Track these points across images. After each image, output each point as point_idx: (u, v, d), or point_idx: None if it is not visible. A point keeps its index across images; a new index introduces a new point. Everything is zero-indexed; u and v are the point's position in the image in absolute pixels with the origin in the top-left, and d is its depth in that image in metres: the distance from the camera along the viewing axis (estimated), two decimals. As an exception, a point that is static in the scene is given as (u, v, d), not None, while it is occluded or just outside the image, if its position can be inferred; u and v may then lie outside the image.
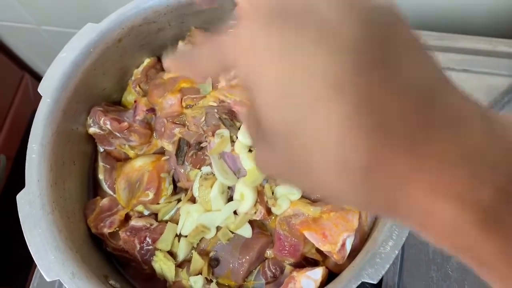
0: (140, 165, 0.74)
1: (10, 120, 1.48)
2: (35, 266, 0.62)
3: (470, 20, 0.98)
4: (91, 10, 1.16)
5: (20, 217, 0.63)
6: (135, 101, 0.78)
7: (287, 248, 0.66)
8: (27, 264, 0.87)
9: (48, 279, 0.60)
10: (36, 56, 1.54)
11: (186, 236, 0.69)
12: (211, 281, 0.68)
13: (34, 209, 0.63)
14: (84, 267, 0.62)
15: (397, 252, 0.57)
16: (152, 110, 0.76)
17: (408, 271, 0.81)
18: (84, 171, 0.77)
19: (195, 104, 0.73)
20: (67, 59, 0.69)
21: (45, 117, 0.67)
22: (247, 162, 0.66)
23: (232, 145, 0.68)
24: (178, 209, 0.72)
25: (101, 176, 0.77)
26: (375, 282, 0.57)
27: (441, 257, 0.81)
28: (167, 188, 0.73)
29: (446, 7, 0.96)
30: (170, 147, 0.74)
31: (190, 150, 0.72)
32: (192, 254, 0.69)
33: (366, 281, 0.57)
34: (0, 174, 1.43)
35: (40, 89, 0.68)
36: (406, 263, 0.82)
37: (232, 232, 0.68)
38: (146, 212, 0.74)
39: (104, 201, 0.73)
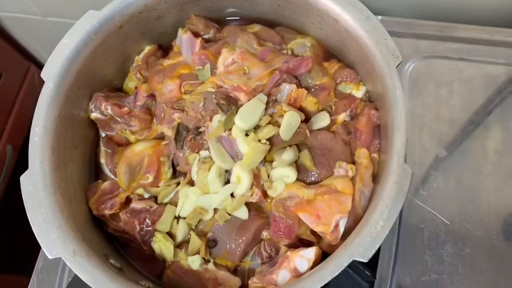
0: (140, 149, 0.76)
1: (16, 111, 1.50)
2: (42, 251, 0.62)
3: (468, 10, 0.98)
4: (96, 1, 1.17)
5: (23, 197, 0.65)
6: (135, 87, 0.79)
7: (282, 230, 0.68)
8: (36, 253, 0.89)
9: (50, 257, 0.62)
10: (42, 47, 1.55)
11: (184, 218, 0.71)
12: (208, 261, 0.69)
13: (37, 189, 0.65)
14: (85, 246, 0.64)
15: (387, 231, 0.59)
16: (152, 96, 0.78)
17: (403, 256, 0.83)
18: (86, 155, 0.79)
19: (194, 90, 0.74)
20: (69, 45, 0.71)
21: (48, 101, 0.68)
22: (243, 146, 0.68)
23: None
24: (177, 192, 0.73)
25: (102, 160, 0.79)
26: (365, 260, 0.58)
27: (436, 242, 0.82)
28: (167, 171, 0.75)
29: (444, -3, 0.97)
30: (169, 132, 0.76)
31: (189, 135, 0.73)
32: (190, 235, 0.70)
33: (357, 259, 0.58)
34: (6, 164, 1.45)
35: (42, 74, 0.69)
36: (401, 248, 0.83)
37: (229, 214, 0.70)
38: (146, 195, 0.76)
39: (106, 184, 0.75)
